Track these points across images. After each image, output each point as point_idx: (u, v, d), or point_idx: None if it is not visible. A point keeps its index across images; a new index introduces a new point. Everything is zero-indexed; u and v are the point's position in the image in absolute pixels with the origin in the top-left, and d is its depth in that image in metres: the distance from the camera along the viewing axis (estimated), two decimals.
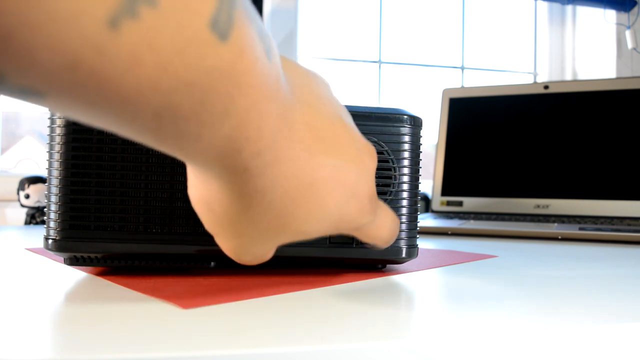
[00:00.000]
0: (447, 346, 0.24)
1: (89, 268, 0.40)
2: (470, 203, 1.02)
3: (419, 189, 0.41)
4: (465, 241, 0.71)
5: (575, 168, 0.97)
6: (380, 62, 1.68)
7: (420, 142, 0.40)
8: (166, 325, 0.24)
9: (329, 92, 0.27)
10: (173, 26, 0.16)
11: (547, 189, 0.98)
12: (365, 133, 0.39)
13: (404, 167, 0.39)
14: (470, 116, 1.07)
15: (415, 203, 0.40)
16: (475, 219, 0.94)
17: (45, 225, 0.37)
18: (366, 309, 0.29)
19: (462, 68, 1.74)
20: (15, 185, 1.00)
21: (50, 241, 0.36)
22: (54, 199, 0.36)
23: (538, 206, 0.97)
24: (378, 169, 0.39)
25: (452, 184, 1.05)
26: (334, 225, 0.26)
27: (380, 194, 0.39)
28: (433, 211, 1.05)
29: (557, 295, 0.34)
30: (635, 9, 1.58)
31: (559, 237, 0.75)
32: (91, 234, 0.36)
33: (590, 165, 0.96)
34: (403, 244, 0.39)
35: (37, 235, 0.68)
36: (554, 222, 0.89)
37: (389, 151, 0.39)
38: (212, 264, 0.38)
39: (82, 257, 0.36)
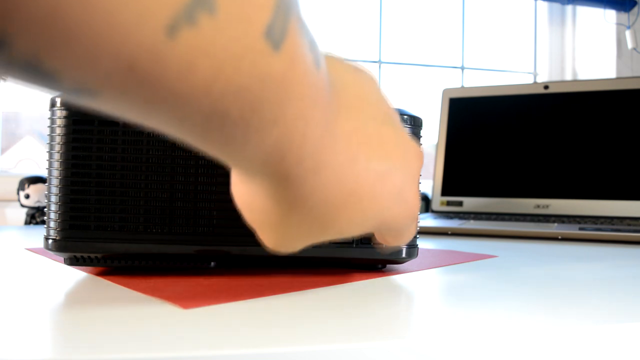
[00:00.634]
0: (447, 346, 0.24)
1: (89, 268, 0.40)
2: (470, 203, 1.02)
3: (419, 189, 0.41)
4: (465, 241, 0.71)
5: (575, 168, 0.97)
6: (380, 62, 1.68)
7: (420, 142, 0.40)
8: (166, 325, 0.24)
9: (376, 89, 0.27)
10: (229, 34, 0.16)
11: (547, 189, 0.97)
12: None
13: None
14: (470, 116, 1.07)
15: None
16: (475, 219, 0.94)
17: (45, 225, 0.37)
18: (366, 309, 0.29)
19: (462, 68, 1.74)
20: (15, 185, 1.00)
21: (50, 241, 0.36)
22: (54, 199, 0.36)
23: (538, 206, 0.97)
24: None
25: (452, 184, 1.04)
26: (376, 227, 0.26)
27: None
28: (433, 211, 1.05)
29: (557, 295, 0.34)
30: (635, 9, 1.58)
31: (559, 237, 0.75)
32: (91, 234, 0.36)
33: (590, 165, 0.96)
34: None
35: (37, 235, 0.68)
36: (554, 222, 0.89)
37: None
38: (212, 264, 0.38)
39: (82, 257, 0.36)
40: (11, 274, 0.38)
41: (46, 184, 0.37)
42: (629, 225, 0.84)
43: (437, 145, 1.08)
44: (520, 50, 1.81)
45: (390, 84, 1.69)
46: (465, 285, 0.37)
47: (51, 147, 0.36)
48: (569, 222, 0.88)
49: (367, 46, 1.69)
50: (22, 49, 0.14)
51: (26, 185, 0.98)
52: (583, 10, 1.74)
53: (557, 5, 1.76)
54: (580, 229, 0.77)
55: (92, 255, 0.36)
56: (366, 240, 0.39)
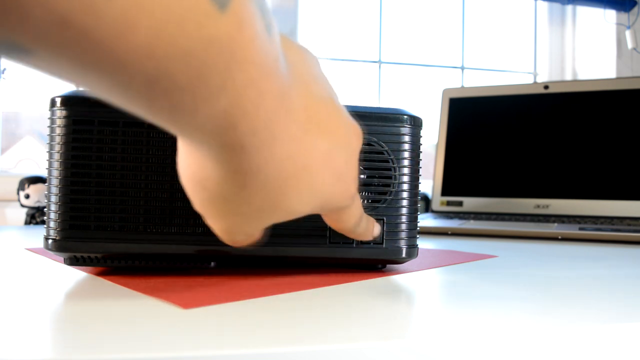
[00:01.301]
0: (447, 346, 0.24)
1: (89, 268, 0.40)
2: (470, 203, 1.02)
3: (419, 189, 0.41)
4: (465, 241, 0.71)
5: (575, 168, 0.97)
6: (380, 62, 1.68)
7: (420, 142, 0.40)
8: (166, 325, 0.24)
9: (320, 70, 0.27)
10: None
11: (547, 189, 0.97)
12: (366, 133, 0.38)
13: (404, 167, 0.39)
14: (470, 116, 1.07)
15: (415, 203, 0.40)
16: (475, 219, 0.94)
17: (45, 225, 0.37)
18: (366, 309, 0.29)
19: (462, 68, 1.74)
20: (15, 185, 1.00)
21: (50, 241, 0.36)
22: (54, 199, 0.36)
23: (538, 206, 0.97)
24: (378, 169, 0.39)
25: (452, 184, 1.04)
26: (320, 206, 0.26)
27: (380, 193, 0.39)
28: (433, 211, 1.05)
29: (557, 295, 0.34)
30: (635, 9, 1.58)
31: (559, 237, 0.75)
32: (91, 234, 0.36)
33: (590, 165, 0.96)
34: (403, 244, 0.39)
35: (37, 235, 0.68)
36: (554, 222, 0.89)
37: (389, 151, 0.39)
38: (212, 264, 0.38)
39: (82, 257, 0.36)
40: (11, 274, 0.38)
41: (46, 184, 0.37)
42: (629, 225, 0.84)
43: (437, 145, 1.08)
44: (520, 50, 1.81)
45: (390, 84, 1.69)
46: (465, 285, 0.37)
47: (51, 147, 0.36)
48: (569, 222, 0.88)
49: (367, 46, 1.69)
50: None
51: (26, 185, 0.98)
52: (583, 10, 1.74)
53: (557, 5, 1.76)
54: (580, 229, 0.77)
55: (92, 255, 0.36)
56: (366, 240, 0.39)
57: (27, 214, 1.00)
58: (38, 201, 0.98)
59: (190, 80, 0.18)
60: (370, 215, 0.39)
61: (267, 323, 0.25)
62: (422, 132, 0.41)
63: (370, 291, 0.34)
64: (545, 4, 1.77)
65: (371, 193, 0.39)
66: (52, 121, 0.36)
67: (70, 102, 0.36)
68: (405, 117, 0.39)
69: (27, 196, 0.98)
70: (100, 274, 0.38)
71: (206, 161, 0.22)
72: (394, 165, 0.39)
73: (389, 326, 0.25)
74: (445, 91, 1.10)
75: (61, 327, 0.25)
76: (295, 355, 0.22)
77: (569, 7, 1.76)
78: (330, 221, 0.30)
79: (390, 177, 0.39)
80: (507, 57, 1.80)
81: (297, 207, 0.25)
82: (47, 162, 0.37)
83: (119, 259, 0.36)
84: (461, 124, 1.07)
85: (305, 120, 0.23)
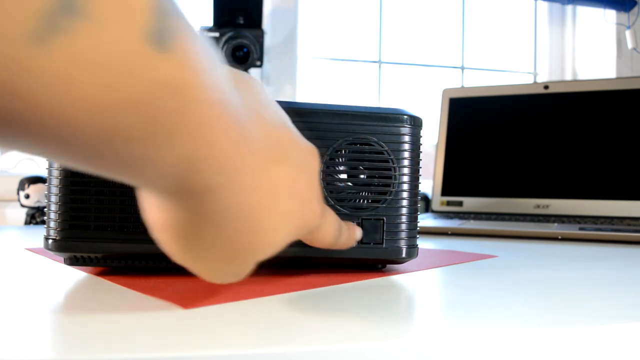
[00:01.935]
0: (447, 346, 0.24)
1: (89, 268, 0.40)
2: (470, 203, 1.02)
3: (419, 189, 0.41)
4: (465, 241, 0.71)
5: (575, 168, 0.97)
6: (380, 62, 1.68)
7: (420, 142, 0.40)
8: (166, 325, 0.24)
9: (267, 95, 0.26)
10: (106, 40, 0.15)
11: (547, 189, 0.97)
12: (366, 133, 0.39)
13: (404, 167, 0.39)
14: (470, 116, 1.07)
15: (415, 203, 0.40)
16: (475, 219, 0.94)
17: (45, 225, 0.37)
18: (366, 309, 0.29)
19: (462, 68, 1.74)
20: (15, 185, 1.00)
21: (50, 241, 0.36)
22: (54, 199, 0.36)
23: (538, 206, 0.97)
24: (378, 169, 0.39)
25: (452, 184, 1.04)
26: (295, 232, 0.25)
27: (380, 193, 0.39)
28: (433, 211, 1.05)
29: (557, 295, 0.34)
30: (635, 9, 1.58)
31: (559, 237, 0.75)
32: (91, 234, 0.36)
33: (590, 165, 0.96)
34: (403, 244, 0.39)
35: (37, 235, 0.68)
36: (554, 222, 0.89)
37: (389, 151, 0.39)
38: None
39: (82, 257, 0.36)
40: (11, 274, 0.38)
41: (46, 184, 0.37)
42: (629, 225, 0.84)
43: (437, 145, 1.08)
44: (520, 50, 1.81)
45: (390, 84, 1.69)
46: (465, 285, 0.37)
47: None
48: (569, 222, 0.88)
49: (367, 46, 1.69)
50: None
51: (26, 185, 0.98)
52: (583, 10, 1.74)
53: (557, 5, 1.76)
54: (580, 229, 0.77)
55: (92, 255, 0.36)
56: (366, 240, 0.39)
57: (27, 214, 1.00)
58: (38, 201, 0.98)
59: (142, 129, 0.17)
60: (370, 215, 0.39)
61: (266, 323, 0.25)
62: (422, 132, 0.41)
63: (370, 291, 0.34)
64: (545, 4, 1.77)
65: (371, 193, 0.39)
66: None
67: None
68: (405, 117, 0.39)
69: (27, 196, 0.98)
70: (100, 274, 0.38)
71: (175, 209, 0.21)
72: (394, 165, 0.39)
73: (389, 326, 0.25)
74: (445, 91, 1.10)
75: (61, 327, 0.25)
76: (295, 355, 0.22)
77: (569, 7, 1.76)
78: (310, 242, 0.30)
79: (390, 177, 0.39)
80: (507, 57, 1.80)
81: (274, 238, 0.24)
82: (47, 162, 0.37)
83: (119, 259, 0.36)
84: (461, 124, 1.07)
85: (266, 149, 0.23)
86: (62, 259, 0.38)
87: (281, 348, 0.22)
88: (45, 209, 0.37)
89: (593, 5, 1.63)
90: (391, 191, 0.39)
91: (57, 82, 0.15)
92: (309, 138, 0.39)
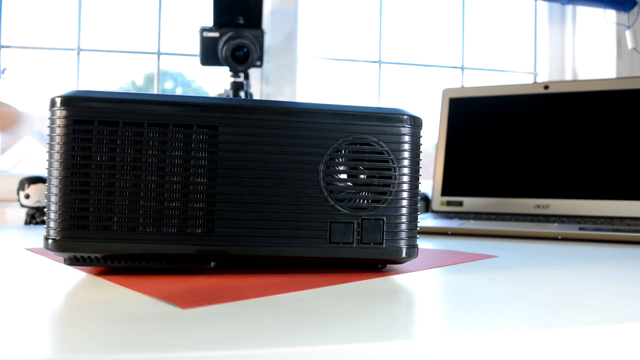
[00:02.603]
0: (447, 346, 0.24)
1: (89, 268, 0.40)
2: (470, 203, 1.02)
3: (419, 189, 0.41)
4: (465, 241, 0.71)
5: (575, 168, 0.97)
6: (380, 62, 1.68)
7: (420, 142, 0.40)
8: (166, 325, 0.24)
9: None
10: None
11: (547, 189, 0.97)
12: (365, 133, 0.39)
13: (404, 167, 0.39)
14: (470, 116, 1.07)
15: (415, 203, 0.40)
16: (475, 219, 0.94)
17: (45, 225, 0.37)
18: (366, 309, 0.29)
19: (462, 68, 1.74)
20: (15, 185, 1.00)
21: (50, 241, 0.36)
22: (54, 199, 0.36)
23: (538, 206, 0.97)
24: (378, 169, 0.39)
25: (452, 184, 1.04)
26: None
27: (380, 193, 0.39)
28: (433, 211, 1.05)
29: (557, 295, 0.34)
30: (635, 9, 1.58)
31: (559, 237, 0.75)
32: (91, 234, 0.36)
33: (590, 165, 0.96)
34: (403, 244, 0.39)
35: (37, 235, 0.68)
36: (554, 222, 0.89)
37: (389, 151, 0.39)
38: (212, 264, 0.38)
39: (82, 257, 0.36)
40: (11, 274, 0.38)
41: (46, 184, 0.37)
42: (629, 225, 0.84)
43: (437, 145, 1.08)
44: (520, 50, 1.81)
45: (390, 84, 1.69)
46: (465, 285, 0.37)
47: (51, 147, 0.36)
48: (569, 222, 0.88)
49: (367, 46, 1.69)
50: None
51: (26, 185, 0.98)
52: (583, 10, 1.74)
53: (557, 5, 1.76)
54: (580, 229, 0.77)
55: (92, 255, 0.36)
56: (366, 240, 0.39)
57: (27, 214, 1.00)
58: (38, 201, 0.98)
59: None
60: (370, 215, 0.39)
61: (267, 323, 0.25)
62: (422, 132, 0.41)
63: (370, 291, 0.34)
64: (545, 4, 1.77)
65: (371, 193, 0.39)
66: (52, 121, 0.36)
67: (70, 102, 0.36)
68: (405, 117, 0.39)
69: (27, 196, 0.98)
70: (100, 274, 0.38)
71: None
72: (394, 165, 0.39)
73: (389, 326, 0.25)
74: (445, 91, 1.10)
75: (61, 327, 0.25)
76: (295, 355, 0.22)
77: (569, 7, 1.76)
78: None
79: (390, 177, 0.39)
80: (507, 57, 1.80)
81: None
82: (47, 162, 0.37)
83: (119, 259, 0.36)
84: (461, 124, 1.07)
85: None
86: (62, 259, 0.38)
87: (281, 348, 0.22)
88: (45, 209, 0.37)
89: (593, 5, 1.63)
90: (391, 191, 0.39)
91: None
92: (309, 138, 0.39)
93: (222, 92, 1.39)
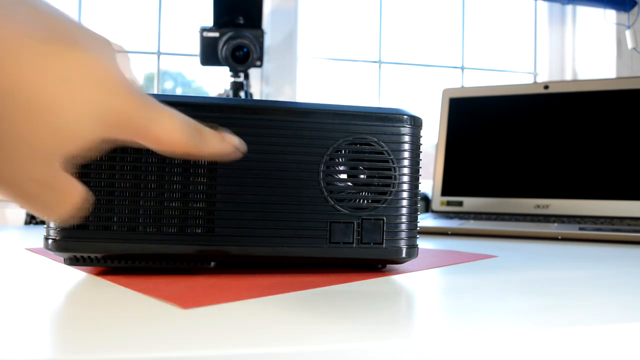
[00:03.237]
0: (447, 346, 0.24)
1: (89, 268, 0.40)
2: (470, 203, 1.02)
3: (419, 189, 0.41)
4: (465, 241, 0.71)
5: (575, 168, 0.97)
6: (380, 62, 1.68)
7: (420, 142, 0.40)
8: (166, 325, 0.24)
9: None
10: None
11: (547, 189, 0.97)
12: (365, 133, 0.39)
13: (404, 167, 0.39)
14: (470, 116, 1.07)
15: (415, 203, 0.40)
16: (475, 219, 0.94)
17: (45, 225, 0.37)
18: (366, 309, 0.29)
19: (462, 68, 1.74)
20: None
21: (50, 241, 0.36)
22: None
23: (538, 206, 0.97)
24: (378, 169, 0.39)
25: (452, 184, 1.04)
26: (102, 124, 0.23)
27: (380, 193, 0.39)
28: (433, 211, 1.05)
29: (557, 295, 0.34)
30: (635, 9, 1.58)
31: (559, 237, 0.75)
32: (91, 234, 0.36)
33: (590, 165, 0.96)
34: (403, 244, 0.39)
35: (37, 235, 0.68)
36: (554, 222, 0.89)
37: (389, 151, 0.39)
38: (212, 264, 0.38)
39: (82, 257, 0.36)
40: (11, 274, 0.38)
41: None
42: (629, 225, 0.84)
43: (437, 145, 1.08)
44: (520, 50, 1.81)
45: (390, 84, 1.69)
46: (465, 285, 0.37)
47: None
48: (569, 222, 0.88)
49: (367, 46, 1.69)
50: None
51: None
52: (583, 10, 1.74)
53: (557, 5, 1.76)
54: (580, 229, 0.77)
55: (92, 255, 0.36)
56: (366, 240, 0.39)
57: (27, 214, 1.00)
58: None
59: None
60: (370, 215, 0.39)
61: (267, 323, 0.25)
62: (422, 132, 0.41)
63: (370, 291, 0.34)
64: (545, 4, 1.77)
65: (371, 193, 0.39)
66: None
67: None
68: (405, 117, 0.39)
69: None
70: (100, 274, 0.38)
71: None
72: (394, 165, 0.39)
73: (389, 326, 0.25)
74: (445, 91, 1.10)
75: (61, 327, 0.25)
76: (295, 355, 0.22)
77: (569, 7, 1.76)
78: (153, 142, 0.27)
79: (390, 177, 0.39)
80: (507, 57, 1.80)
81: (72, 130, 0.22)
82: None
83: (119, 259, 0.36)
84: (461, 124, 1.07)
85: (41, 29, 0.21)
86: (62, 259, 0.38)
87: (281, 348, 0.22)
88: None
89: (593, 5, 1.63)
90: (391, 191, 0.39)
91: None
92: (309, 138, 0.39)
93: (222, 92, 1.39)
